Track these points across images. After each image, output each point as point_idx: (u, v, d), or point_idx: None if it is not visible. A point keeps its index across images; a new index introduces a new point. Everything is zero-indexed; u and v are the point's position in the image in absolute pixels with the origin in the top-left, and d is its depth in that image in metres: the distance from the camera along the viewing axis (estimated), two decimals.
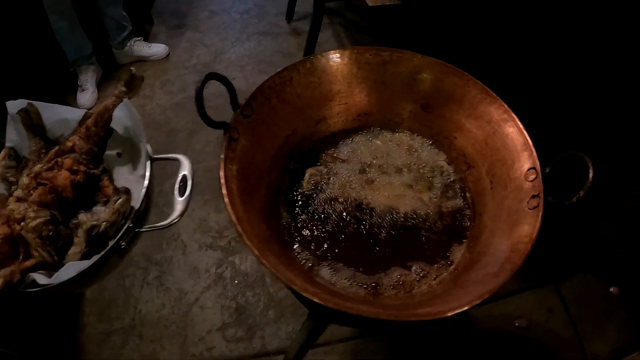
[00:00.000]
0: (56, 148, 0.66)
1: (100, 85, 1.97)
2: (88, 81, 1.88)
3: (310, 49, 1.92)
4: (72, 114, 0.74)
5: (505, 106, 0.72)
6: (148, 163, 0.65)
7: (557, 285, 1.35)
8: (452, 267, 0.68)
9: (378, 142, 0.84)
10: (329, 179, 0.78)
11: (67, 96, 1.92)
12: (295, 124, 0.78)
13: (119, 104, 0.68)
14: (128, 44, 2.03)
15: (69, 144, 0.66)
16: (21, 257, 0.55)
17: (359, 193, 0.77)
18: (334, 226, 0.73)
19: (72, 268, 0.53)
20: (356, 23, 2.29)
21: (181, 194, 0.58)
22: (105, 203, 0.57)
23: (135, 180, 0.68)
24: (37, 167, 0.62)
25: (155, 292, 1.34)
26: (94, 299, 1.35)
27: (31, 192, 0.60)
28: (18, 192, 0.64)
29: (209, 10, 2.41)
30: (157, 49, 2.11)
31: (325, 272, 0.68)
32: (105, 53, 2.05)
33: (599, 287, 1.34)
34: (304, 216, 0.74)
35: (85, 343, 1.27)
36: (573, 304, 1.31)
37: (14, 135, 0.71)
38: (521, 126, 0.69)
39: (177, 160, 0.63)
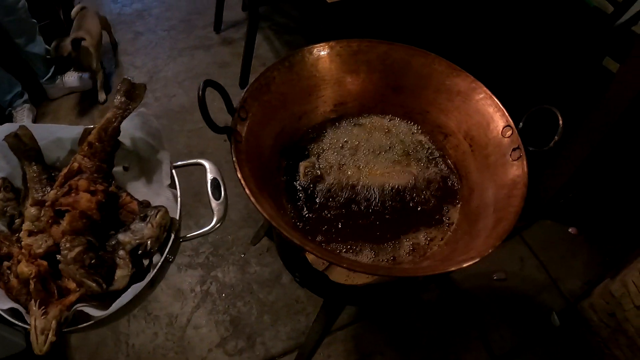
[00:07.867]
0: (65, 170, 0.60)
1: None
2: (24, 121, 1.76)
3: (249, 56, 1.88)
4: (67, 132, 0.67)
5: (472, 77, 0.79)
6: (174, 172, 0.64)
7: (522, 236, 1.50)
8: (454, 226, 0.76)
9: (359, 127, 0.89)
10: (322, 168, 0.83)
11: None
12: (283, 122, 0.81)
13: (121, 115, 0.64)
14: (58, 77, 1.92)
15: (75, 165, 0.61)
16: (55, 294, 0.52)
17: (353, 176, 0.82)
18: (338, 210, 0.77)
19: (131, 291, 0.50)
20: (285, 25, 2.30)
21: (216, 197, 0.57)
22: (144, 219, 0.53)
23: (153, 192, 0.65)
24: (52, 194, 0.58)
25: (145, 322, 1.30)
26: (80, 345, 1.27)
27: (49, 221, 0.56)
28: (28, 225, 0.59)
29: (133, 32, 2.31)
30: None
31: (345, 255, 0.71)
32: (35, 92, 1.92)
33: (559, 230, 1.51)
34: (309, 207, 0.77)
35: None
36: (540, 249, 1.46)
37: (4, 163, 0.65)
38: (489, 92, 0.77)
39: (200, 165, 0.62)
